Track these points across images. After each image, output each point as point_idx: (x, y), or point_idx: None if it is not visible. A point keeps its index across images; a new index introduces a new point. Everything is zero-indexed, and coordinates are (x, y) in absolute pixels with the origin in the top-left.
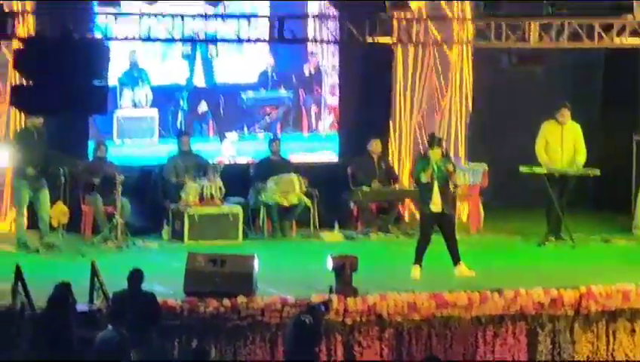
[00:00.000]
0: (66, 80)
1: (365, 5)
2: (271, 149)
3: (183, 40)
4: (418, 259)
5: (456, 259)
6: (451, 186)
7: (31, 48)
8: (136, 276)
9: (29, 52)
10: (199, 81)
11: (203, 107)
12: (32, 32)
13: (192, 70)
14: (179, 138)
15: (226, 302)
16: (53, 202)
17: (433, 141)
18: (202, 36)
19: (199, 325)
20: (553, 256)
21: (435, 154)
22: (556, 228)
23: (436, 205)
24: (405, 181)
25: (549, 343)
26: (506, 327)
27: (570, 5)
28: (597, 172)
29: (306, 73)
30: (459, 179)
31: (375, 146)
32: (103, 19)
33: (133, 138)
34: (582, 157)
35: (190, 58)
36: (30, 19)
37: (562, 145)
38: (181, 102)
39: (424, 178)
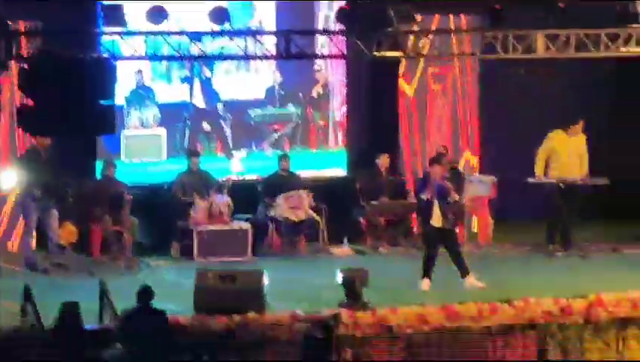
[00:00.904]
0: (72, 100)
1: (372, 20)
2: (280, 165)
3: (189, 58)
4: (426, 273)
5: (464, 272)
6: (450, 200)
7: (36, 68)
8: (145, 294)
9: (34, 71)
10: (199, 102)
11: (206, 127)
12: (38, 52)
13: (191, 91)
14: (189, 157)
15: (236, 318)
16: (61, 222)
17: (433, 158)
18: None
19: (209, 342)
20: (563, 266)
21: (434, 171)
22: (562, 237)
23: (436, 221)
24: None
25: (559, 352)
26: (516, 337)
27: (576, 16)
28: (606, 181)
29: (314, 95)
30: (470, 191)
31: (383, 161)
32: (109, 38)
33: (141, 157)
34: (585, 168)
35: (189, 80)
36: (37, 39)
37: (569, 155)
38: (187, 121)
39: (424, 195)
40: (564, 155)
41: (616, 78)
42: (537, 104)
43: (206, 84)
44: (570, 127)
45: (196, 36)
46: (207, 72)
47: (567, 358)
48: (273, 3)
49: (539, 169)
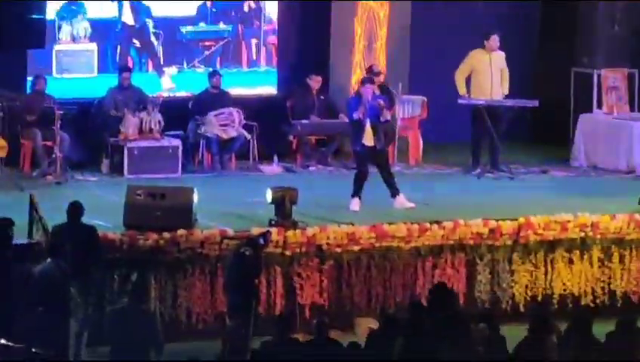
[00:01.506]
0: (3, 14)
1: None
2: (211, 83)
3: None
4: (356, 192)
5: (394, 191)
6: (382, 119)
7: None
8: (75, 209)
9: None
10: (128, 19)
11: (137, 44)
12: None
13: (120, 8)
14: (120, 73)
15: (166, 235)
16: None
17: (365, 77)
18: None
19: (139, 258)
20: (492, 187)
21: (366, 89)
22: (490, 159)
23: (368, 140)
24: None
25: (488, 273)
26: (445, 258)
27: None
28: (535, 103)
29: (245, 9)
30: (400, 112)
31: (315, 81)
32: None
33: (73, 72)
34: (506, 84)
35: None
36: None
37: (491, 73)
38: (118, 36)
39: (356, 115)
40: (486, 73)
41: None
42: (467, 25)
43: (135, 2)
44: (485, 42)
45: None
46: None
47: (495, 279)
48: None
49: (461, 88)
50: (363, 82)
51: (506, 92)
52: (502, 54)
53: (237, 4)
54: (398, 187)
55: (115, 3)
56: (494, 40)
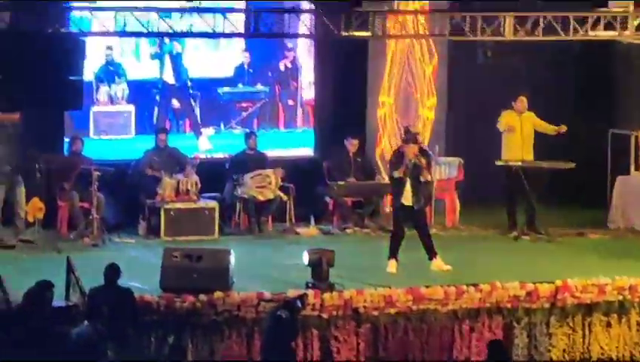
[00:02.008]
0: (40, 75)
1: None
2: (247, 144)
3: (158, 34)
4: (393, 254)
5: (431, 254)
6: (422, 179)
7: (5, 43)
8: (112, 271)
9: (2, 47)
10: (169, 78)
11: (175, 104)
12: (7, 27)
13: (162, 68)
14: (156, 134)
15: (203, 297)
16: (29, 198)
17: (408, 137)
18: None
19: (176, 321)
20: (529, 249)
21: (409, 149)
22: (527, 220)
23: (407, 199)
24: (383, 176)
25: (526, 336)
26: (483, 321)
27: None
28: (572, 165)
29: (282, 68)
30: (437, 174)
31: (352, 144)
32: (78, 14)
33: (110, 134)
34: (550, 129)
35: (159, 55)
36: (5, 14)
37: (522, 134)
38: (157, 98)
39: (397, 173)
40: (517, 134)
41: (583, 60)
42: (503, 85)
43: (176, 61)
44: (513, 104)
45: (165, 13)
46: (177, 47)
47: (533, 342)
48: None
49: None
50: (406, 141)
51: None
52: (531, 114)
53: (273, 63)
54: (435, 249)
55: (156, 63)
56: (522, 101)
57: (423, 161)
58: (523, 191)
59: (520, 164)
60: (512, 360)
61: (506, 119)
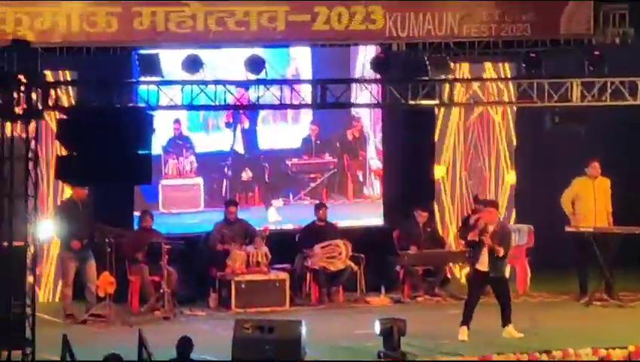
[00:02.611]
0: (109, 150)
1: (407, 68)
2: (317, 215)
3: (226, 107)
4: (465, 320)
5: (506, 321)
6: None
7: (74, 118)
8: (185, 344)
9: (72, 122)
10: (240, 148)
11: (248, 174)
12: (76, 102)
13: (234, 138)
14: (226, 207)
15: None
16: (99, 273)
17: (490, 201)
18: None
19: None
20: (601, 315)
21: (491, 213)
22: (605, 286)
23: (482, 265)
24: (452, 244)
25: None
26: None
27: (613, 64)
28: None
29: (349, 138)
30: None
31: (421, 216)
32: (146, 88)
33: (179, 207)
34: (609, 209)
35: (232, 125)
36: (73, 89)
37: (595, 199)
38: (225, 170)
39: (470, 236)
40: (589, 200)
41: None
42: (572, 150)
43: (247, 132)
44: (586, 170)
45: (233, 85)
46: (245, 123)
47: None
48: (309, 50)
49: (567, 210)
50: (486, 204)
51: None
52: (606, 181)
53: (340, 133)
54: (510, 317)
55: (224, 135)
56: (594, 167)
57: (500, 251)
58: (594, 257)
59: (591, 230)
60: None
61: (575, 187)
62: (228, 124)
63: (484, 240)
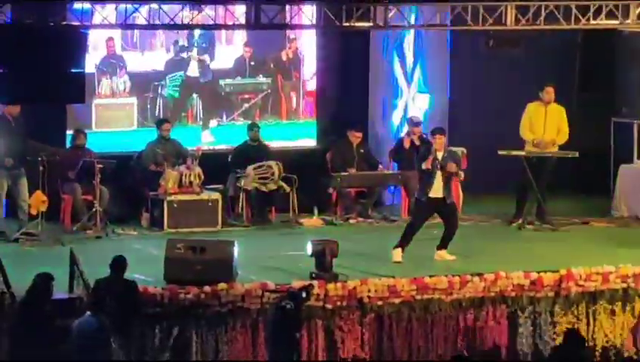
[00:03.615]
0: (42, 68)
1: None
2: (250, 136)
3: (159, 26)
4: (401, 243)
5: (443, 245)
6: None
7: (6, 36)
8: (119, 263)
9: (4, 39)
10: (193, 71)
11: (194, 96)
12: (8, 20)
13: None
14: (159, 125)
15: (207, 288)
16: (31, 191)
17: (435, 129)
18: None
19: (180, 312)
20: (533, 238)
21: (437, 141)
22: (536, 210)
23: (436, 192)
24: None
25: (530, 325)
26: (487, 310)
27: None
28: (575, 154)
29: (284, 58)
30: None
31: (355, 137)
32: (80, 6)
33: (112, 126)
34: (563, 138)
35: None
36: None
37: (545, 125)
38: (159, 90)
39: (424, 165)
40: (540, 125)
41: (584, 48)
42: (504, 75)
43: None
44: (541, 93)
45: (167, 4)
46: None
47: (537, 331)
48: None
49: (529, 138)
50: (433, 133)
51: (560, 144)
52: (560, 108)
53: (275, 54)
54: (448, 243)
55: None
56: (548, 92)
57: (452, 167)
58: (527, 180)
59: (524, 154)
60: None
61: (528, 112)
62: (182, 47)
63: (449, 168)
